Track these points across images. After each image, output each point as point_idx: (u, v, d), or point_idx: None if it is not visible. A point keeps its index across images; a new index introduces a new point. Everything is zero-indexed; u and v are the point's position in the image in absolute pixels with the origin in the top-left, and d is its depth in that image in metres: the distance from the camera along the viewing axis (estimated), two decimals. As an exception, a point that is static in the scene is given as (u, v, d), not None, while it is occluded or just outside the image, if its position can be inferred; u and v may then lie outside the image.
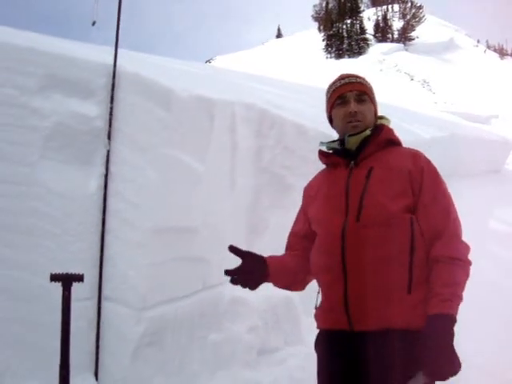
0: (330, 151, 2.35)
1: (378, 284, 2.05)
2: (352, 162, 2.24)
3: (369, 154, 2.22)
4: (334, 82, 2.38)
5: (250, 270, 2.30)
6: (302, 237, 2.44)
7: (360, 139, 2.23)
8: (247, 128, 3.79)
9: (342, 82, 2.33)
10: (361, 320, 2.07)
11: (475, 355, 4.08)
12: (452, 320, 1.91)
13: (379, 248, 2.06)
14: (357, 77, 2.37)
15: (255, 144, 3.95)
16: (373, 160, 2.21)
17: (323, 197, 2.29)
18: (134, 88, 2.97)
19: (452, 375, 1.86)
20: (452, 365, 1.86)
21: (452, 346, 1.87)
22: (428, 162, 2.21)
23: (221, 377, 3.27)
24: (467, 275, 2.03)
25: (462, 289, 1.98)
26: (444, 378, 1.89)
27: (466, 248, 2.08)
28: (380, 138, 2.23)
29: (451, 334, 1.89)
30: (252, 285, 2.30)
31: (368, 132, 2.23)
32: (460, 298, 1.96)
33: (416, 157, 2.20)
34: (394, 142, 2.28)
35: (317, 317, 2.28)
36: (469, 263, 2.05)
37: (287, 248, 2.50)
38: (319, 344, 2.27)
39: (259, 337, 3.57)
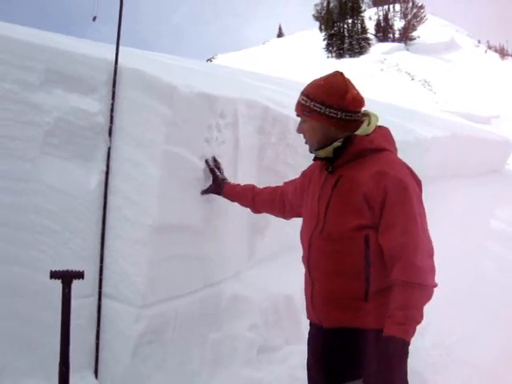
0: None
1: (334, 293, 2.22)
2: (330, 168, 2.31)
3: (343, 163, 2.25)
4: None
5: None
6: (291, 193, 2.72)
7: (330, 151, 2.27)
8: (250, 125, 3.76)
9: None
10: (323, 319, 2.28)
11: (477, 354, 4.07)
12: (401, 343, 1.99)
13: (335, 262, 2.20)
14: (301, 95, 2.34)
15: (258, 141, 3.92)
16: (344, 169, 2.25)
17: (310, 194, 2.42)
18: (135, 84, 2.94)
19: None
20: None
21: (394, 368, 1.97)
22: (397, 180, 2.11)
23: (221, 375, 3.25)
24: (425, 297, 2.06)
25: (417, 311, 2.03)
26: None
27: (425, 270, 2.07)
28: (352, 149, 2.22)
29: (399, 357, 1.98)
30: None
31: (338, 144, 2.24)
32: (415, 321, 2.01)
33: (381, 175, 2.12)
34: (371, 151, 2.22)
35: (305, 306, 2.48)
36: (428, 285, 2.06)
37: (280, 189, 2.85)
38: (309, 329, 2.49)
39: (260, 335, 3.55)
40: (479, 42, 71.62)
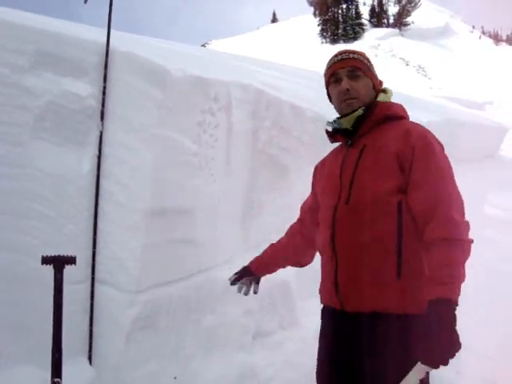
0: (331, 129, 2.34)
1: (364, 268, 2.04)
2: (349, 141, 2.24)
3: (364, 133, 2.20)
4: (329, 60, 2.38)
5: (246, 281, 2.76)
6: (308, 210, 2.56)
7: (353, 119, 2.21)
8: (243, 109, 3.73)
9: (336, 59, 2.32)
10: (350, 301, 2.09)
11: (474, 339, 4.08)
12: (450, 304, 1.81)
13: (365, 233, 2.05)
14: (351, 52, 2.33)
15: (251, 125, 3.89)
16: (367, 138, 2.19)
17: (326, 176, 2.34)
18: (127, 67, 2.90)
19: (452, 358, 1.78)
20: (452, 349, 1.77)
21: (451, 331, 1.78)
22: (422, 137, 2.07)
23: (215, 360, 3.24)
24: (466, 253, 1.91)
25: (461, 268, 1.87)
26: (445, 364, 1.79)
27: (463, 225, 1.94)
28: (374, 116, 2.19)
29: (450, 319, 1.80)
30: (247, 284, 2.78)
31: (360, 111, 2.20)
32: (459, 278, 1.85)
33: (408, 134, 2.08)
34: (392, 117, 2.21)
35: (319, 292, 2.34)
36: (467, 241, 1.92)
37: (298, 219, 2.65)
38: (322, 318, 2.33)
39: (254, 320, 3.54)
40: (474, 27, 71.46)
